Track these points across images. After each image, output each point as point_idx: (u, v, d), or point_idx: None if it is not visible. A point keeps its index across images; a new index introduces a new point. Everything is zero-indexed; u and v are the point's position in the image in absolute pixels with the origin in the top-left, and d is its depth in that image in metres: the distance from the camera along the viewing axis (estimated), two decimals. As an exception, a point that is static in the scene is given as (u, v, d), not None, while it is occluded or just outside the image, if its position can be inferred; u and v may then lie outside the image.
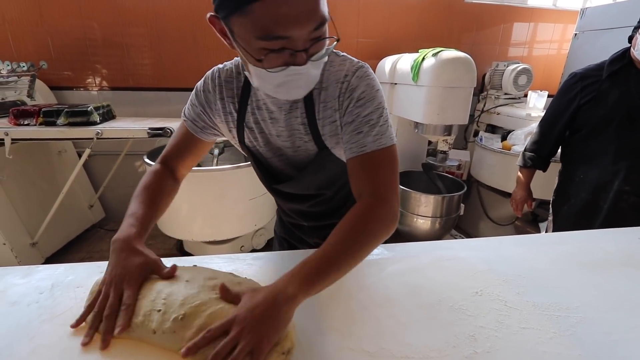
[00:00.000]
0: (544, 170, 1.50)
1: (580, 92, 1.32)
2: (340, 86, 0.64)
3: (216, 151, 1.95)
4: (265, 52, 0.50)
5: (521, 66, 2.35)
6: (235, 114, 0.71)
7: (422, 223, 2.06)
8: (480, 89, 2.74)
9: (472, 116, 2.68)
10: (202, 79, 0.73)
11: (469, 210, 2.64)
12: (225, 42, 0.57)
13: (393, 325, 0.56)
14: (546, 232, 1.66)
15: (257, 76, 0.56)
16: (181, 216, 1.79)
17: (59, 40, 2.28)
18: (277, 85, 0.56)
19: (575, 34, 2.38)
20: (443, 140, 1.88)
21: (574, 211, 1.39)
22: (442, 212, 2.03)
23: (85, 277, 0.65)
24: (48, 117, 1.76)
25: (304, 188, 0.78)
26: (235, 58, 0.71)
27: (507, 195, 2.19)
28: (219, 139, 1.91)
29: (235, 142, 0.78)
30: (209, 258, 0.76)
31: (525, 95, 2.42)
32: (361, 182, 0.63)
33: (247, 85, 0.69)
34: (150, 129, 1.85)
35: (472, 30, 2.74)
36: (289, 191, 0.80)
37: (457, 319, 0.57)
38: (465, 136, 2.87)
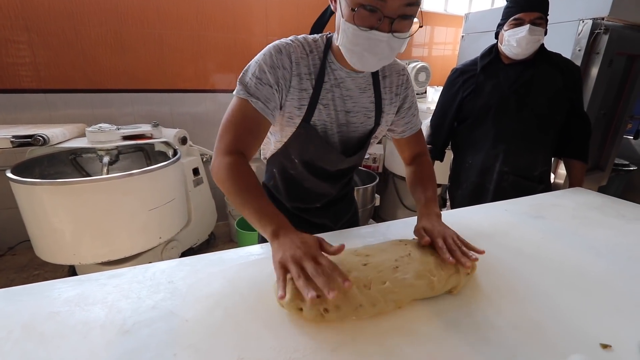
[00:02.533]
0: (441, 160, 1.60)
1: (462, 85, 1.44)
2: (400, 77, 0.85)
3: (105, 159, 1.70)
4: (359, 5, 0.60)
5: (420, 64, 2.54)
6: (311, 90, 0.75)
7: (341, 217, 2.08)
8: (388, 86, 2.89)
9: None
10: (272, 55, 0.71)
11: (386, 200, 2.77)
12: (331, 4, 0.71)
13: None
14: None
15: (344, 32, 0.65)
16: (65, 238, 1.51)
17: None
18: (356, 45, 0.65)
19: (463, 36, 2.65)
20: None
21: (467, 194, 1.51)
22: (358, 204, 2.08)
23: None
24: None
25: (347, 162, 0.86)
26: (296, 37, 0.76)
27: (416, 184, 2.34)
28: (114, 144, 1.67)
29: (290, 122, 0.77)
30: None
31: (426, 91, 2.63)
32: (417, 148, 0.94)
33: (323, 64, 0.75)
34: (14, 137, 1.54)
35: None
36: (331, 169, 0.87)
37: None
38: (379, 131, 3.00)
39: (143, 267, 0.68)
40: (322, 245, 0.56)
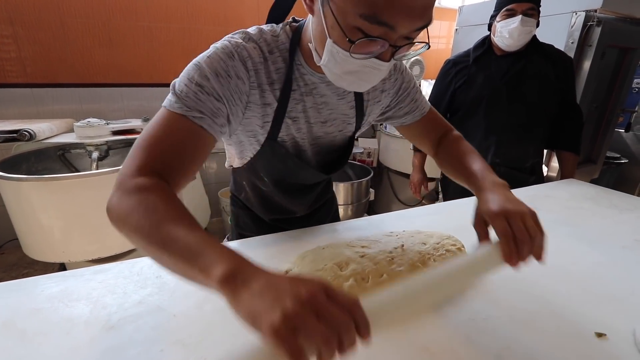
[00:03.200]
0: (434, 151, 1.60)
1: (455, 76, 1.43)
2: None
3: (95, 154, 1.67)
4: (360, 35, 0.44)
5: (413, 57, 2.53)
6: (275, 104, 0.59)
7: (335, 212, 2.08)
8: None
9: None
10: (218, 58, 0.52)
11: (381, 194, 2.76)
12: (304, 2, 0.50)
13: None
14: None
15: (331, 56, 0.49)
16: (54, 235, 1.48)
17: None
18: (347, 73, 0.50)
19: (456, 29, 2.64)
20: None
21: (459, 186, 1.50)
22: (353, 199, 2.07)
23: None
24: None
25: (322, 175, 0.75)
26: (250, 33, 0.57)
27: (411, 177, 2.35)
28: (104, 139, 1.61)
29: (252, 140, 0.63)
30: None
31: (420, 85, 2.62)
32: (438, 129, 0.77)
33: (289, 69, 0.58)
34: (-1, 132, 1.50)
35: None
36: (307, 182, 0.78)
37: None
38: (373, 125, 2.99)
39: (130, 261, 0.66)
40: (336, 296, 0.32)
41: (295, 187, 0.77)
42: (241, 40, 0.56)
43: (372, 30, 0.43)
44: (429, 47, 0.50)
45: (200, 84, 0.51)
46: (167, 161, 0.47)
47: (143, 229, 0.38)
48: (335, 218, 1.00)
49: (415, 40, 0.47)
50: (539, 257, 0.45)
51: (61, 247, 1.50)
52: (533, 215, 0.47)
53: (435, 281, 0.41)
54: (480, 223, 0.50)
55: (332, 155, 0.74)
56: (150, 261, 0.66)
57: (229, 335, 0.48)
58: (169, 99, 0.51)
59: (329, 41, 0.48)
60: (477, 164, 0.61)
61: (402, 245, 0.63)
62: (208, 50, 0.55)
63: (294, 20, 0.63)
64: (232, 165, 0.78)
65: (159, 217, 0.39)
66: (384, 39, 0.45)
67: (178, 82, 0.52)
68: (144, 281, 0.60)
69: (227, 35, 0.57)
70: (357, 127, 0.73)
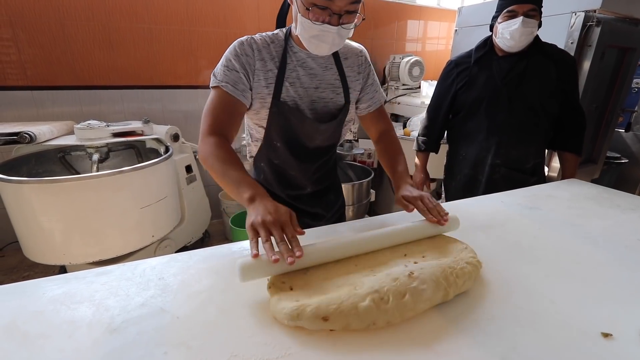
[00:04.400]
0: (436, 152, 1.60)
1: (457, 77, 1.43)
2: (359, 58, 0.96)
3: (95, 156, 1.67)
4: (312, 4, 0.73)
5: (413, 58, 2.53)
6: (275, 70, 0.85)
7: (336, 213, 2.07)
8: (382, 81, 2.88)
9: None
10: (235, 47, 0.83)
11: (382, 196, 2.76)
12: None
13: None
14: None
15: (301, 25, 0.78)
16: (54, 237, 1.48)
17: None
18: (312, 36, 0.78)
19: (456, 30, 2.65)
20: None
21: (460, 186, 1.51)
22: (353, 200, 2.07)
23: None
24: None
25: (325, 139, 0.94)
26: (260, 33, 0.87)
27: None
28: (104, 141, 1.63)
29: (263, 103, 0.85)
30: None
31: (420, 86, 2.62)
32: (382, 124, 1.02)
33: (285, 50, 0.86)
34: (-1, 134, 1.49)
35: (371, 26, 2.87)
36: (310, 144, 0.93)
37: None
38: (373, 127, 2.99)
39: (132, 264, 0.65)
40: (291, 218, 0.61)
41: (300, 149, 0.93)
42: (250, 37, 0.85)
43: (320, 2, 0.72)
44: (364, 19, 0.80)
45: (226, 65, 0.82)
46: (223, 122, 0.80)
47: (213, 166, 0.73)
48: (342, 212, 1.15)
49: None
50: (446, 217, 0.72)
51: (62, 249, 1.50)
52: (429, 194, 0.77)
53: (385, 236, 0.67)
54: (402, 202, 0.80)
55: (326, 117, 0.93)
56: (152, 263, 0.66)
57: (233, 337, 0.48)
58: (211, 80, 0.83)
59: (298, 15, 0.77)
60: (401, 166, 0.92)
61: (424, 256, 0.64)
62: (230, 47, 0.85)
63: (287, 27, 0.91)
64: (252, 156, 1.00)
65: (221, 159, 0.72)
66: (329, 9, 0.73)
67: (216, 69, 0.83)
68: (147, 283, 0.60)
69: None
70: (347, 100, 0.93)
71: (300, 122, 0.88)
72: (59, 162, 1.87)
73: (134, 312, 0.52)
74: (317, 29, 0.75)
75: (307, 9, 0.74)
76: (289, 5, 0.90)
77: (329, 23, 0.75)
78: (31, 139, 1.52)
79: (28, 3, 1.91)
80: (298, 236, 0.58)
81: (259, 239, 0.57)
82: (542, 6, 1.25)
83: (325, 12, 0.73)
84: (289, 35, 0.88)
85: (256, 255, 0.54)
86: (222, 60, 0.83)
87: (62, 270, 1.97)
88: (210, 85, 0.82)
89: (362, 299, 0.50)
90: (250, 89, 0.84)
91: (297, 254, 0.55)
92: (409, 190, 0.80)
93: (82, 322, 0.50)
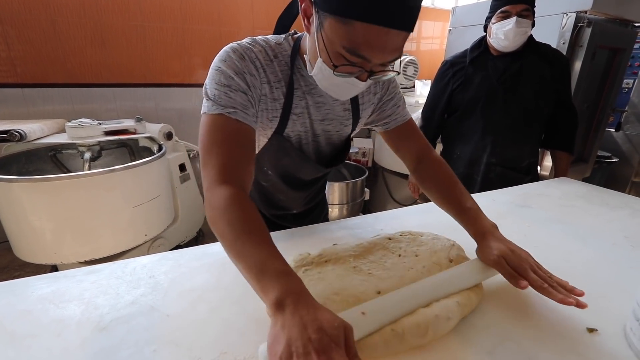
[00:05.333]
0: (430, 151, 1.61)
1: (452, 77, 1.44)
2: None
3: (87, 155, 1.65)
4: (343, 60, 0.54)
5: (408, 58, 2.54)
6: (282, 100, 0.68)
7: (330, 211, 2.08)
8: (377, 81, 2.88)
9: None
10: (231, 59, 0.60)
11: (376, 194, 2.77)
12: (303, 22, 0.58)
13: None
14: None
15: (320, 70, 0.58)
16: (45, 237, 1.46)
17: None
18: (333, 85, 0.60)
19: (450, 30, 2.66)
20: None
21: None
22: (348, 198, 2.08)
23: None
24: None
25: (322, 169, 0.80)
26: (258, 41, 0.66)
27: (407, 177, 2.35)
28: (96, 140, 1.59)
29: (262, 132, 0.70)
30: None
31: (414, 85, 2.63)
32: (416, 139, 0.80)
33: (291, 71, 0.67)
34: (-12, 132, 1.47)
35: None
36: (306, 179, 0.82)
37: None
38: (368, 126, 2.99)
39: (122, 262, 0.65)
40: (347, 339, 0.38)
41: (295, 181, 0.82)
42: (248, 44, 0.64)
43: (353, 59, 0.53)
44: (399, 74, 0.63)
45: (228, 85, 0.59)
46: (238, 162, 0.56)
47: (225, 236, 0.48)
48: (325, 220, 1.04)
49: (386, 70, 0.57)
50: (577, 292, 0.53)
51: (53, 249, 1.48)
52: (533, 259, 0.57)
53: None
54: (512, 276, 0.54)
55: (330, 153, 0.81)
56: (143, 261, 0.66)
57: (222, 335, 0.48)
58: (205, 105, 0.60)
59: (319, 59, 0.57)
60: (467, 199, 0.68)
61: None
62: (220, 55, 0.62)
63: (295, 33, 0.71)
64: None
65: (237, 230, 0.47)
66: (361, 67, 0.54)
67: (209, 88, 0.60)
68: (137, 281, 0.59)
69: (236, 41, 0.65)
70: (353, 129, 0.80)
71: (300, 160, 0.76)
72: (50, 160, 1.85)
73: (123, 311, 0.52)
74: (342, 81, 0.58)
75: (335, 65, 0.54)
76: (297, 12, 0.67)
77: (358, 78, 0.56)
78: (21, 137, 1.50)
79: (18, -1, 1.88)
80: None
81: None
82: (535, 6, 1.26)
83: (354, 67, 0.54)
84: (296, 52, 0.67)
85: None
86: (217, 76, 0.60)
87: (54, 270, 1.95)
88: (207, 112, 0.58)
89: (370, 324, 0.46)
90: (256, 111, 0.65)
91: None
92: (508, 247, 0.57)
93: (70, 320, 0.50)
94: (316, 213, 0.98)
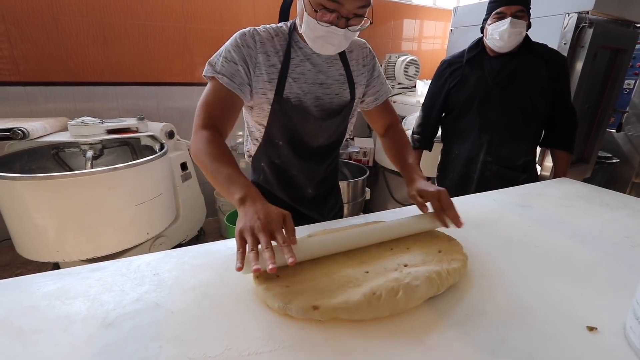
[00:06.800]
0: (430, 150, 1.62)
1: (449, 76, 1.45)
2: (363, 50, 0.94)
3: (89, 153, 1.66)
4: (321, 7, 0.71)
5: (409, 57, 2.54)
6: (279, 65, 0.82)
7: (331, 211, 2.08)
8: (378, 80, 2.89)
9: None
10: (236, 38, 0.79)
11: (377, 194, 2.77)
12: None
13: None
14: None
15: (307, 24, 0.75)
16: (48, 235, 1.47)
17: None
18: (317, 37, 0.76)
19: (452, 30, 2.66)
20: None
21: (453, 184, 1.53)
22: (349, 198, 2.08)
23: None
24: None
25: (329, 136, 0.92)
26: (263, 25, 0.84)
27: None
28: (98, 138, 1.62)
29: (265, 98, 0.83)
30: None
31: (415, 85, 2.63)
32: (389, 117, 1.01)
33: (289, 44, 0.83)
34: (-10, 130, 1.48)
35: (367, 24, 2.88)
36: (313, 144, 0.91)
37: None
38: (368, 125, 3.00)
39: (127, 259, 0.66)
40: (285, 221, 0.57)
41: (303, 148, 0.91)
42: (253, 28, 0.82)
43: (329, 5, 0.71)
44: (372, 23, 0.76)
45: (225, 56, 0.78)
46: (217, 116, 0.76)
47: (205, 162, 0.68)
48: (340, 215, 1.15)
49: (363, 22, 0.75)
50: (459, 223, 0.69)
51: (55, 246, 1.49)
52: (446, 193, 0.71)
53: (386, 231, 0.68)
54: (417, 199, 0.74)
55: (330, 114, 0.90)
56: (147, 259, 0.66)
57: (227, 331, 0.48)
58: (206, 68, 0.79)
59: (305, 14, 0.74)
60: (411, 158, 0.89)
61: (408, 248, 0.65)
62: (231, 38, 0.81)
63: (292, 21, 0.88)
64: (251, 155, 0.97)
65: (213, 155, 0.68)
66: (337, 12, 0.71)
67: (212, 58, 0.80)
68: (142, 279, 0.60)
69: None
70: (352, 97, 0.91)
71: (303, 121, 0.86)
72: (53, 158, 1.86)
73: (128, 307, 0.53)
74: (324, 30, 0.73)
75: (315, 11, 0.71)
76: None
77: (337, 25, 0.73)
78: (24, 135, 1.51)
79: (21, -2, 1.88)
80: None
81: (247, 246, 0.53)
82: (530, 7, 1.27)
83: (333, 14, 0.71)
84: (293, 29, 0.85)
85: (240, 269, 0.51)
86: (222, 50, 0.79)
87: (56, 267, 1.95)
88: (205, 74, 0.78)
89: (354, 293, 0.51)
90: (250, 84, 0.80)
91: (289, 260, 0.51)
92: (425, 185, 0.75)
93: (76, 316, 0.50)
94: (332, 203, 1.08)
